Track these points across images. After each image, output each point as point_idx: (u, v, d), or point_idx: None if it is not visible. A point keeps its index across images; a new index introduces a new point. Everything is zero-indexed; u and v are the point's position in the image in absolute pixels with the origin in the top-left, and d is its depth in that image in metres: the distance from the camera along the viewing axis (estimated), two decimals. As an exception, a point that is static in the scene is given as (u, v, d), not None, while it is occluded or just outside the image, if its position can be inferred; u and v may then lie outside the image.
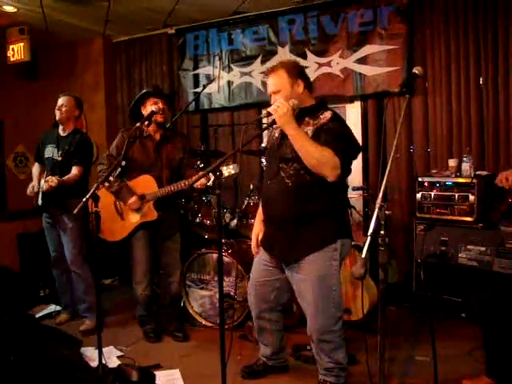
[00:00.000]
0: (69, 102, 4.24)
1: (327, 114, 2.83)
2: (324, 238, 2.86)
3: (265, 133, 4.41)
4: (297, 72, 2.89)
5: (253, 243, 3.18)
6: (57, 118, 4.26)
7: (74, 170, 4.10)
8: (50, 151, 4.24)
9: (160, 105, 3.84)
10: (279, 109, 2.67)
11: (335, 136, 2.73)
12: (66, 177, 4.03)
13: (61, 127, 4.27)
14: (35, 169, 4.39)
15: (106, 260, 4.33)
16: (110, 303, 4.92)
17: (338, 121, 2.84)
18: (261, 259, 3.13)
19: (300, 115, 2.83)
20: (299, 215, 2.84)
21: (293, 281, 2.97)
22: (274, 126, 2.88)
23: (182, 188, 3.68)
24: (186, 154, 4.08)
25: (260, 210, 3.16)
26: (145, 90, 4.02)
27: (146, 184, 3.82)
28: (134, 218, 3.88)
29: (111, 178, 3.60)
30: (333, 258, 2.86)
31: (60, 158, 4.15)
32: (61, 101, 4.24)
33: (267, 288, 3.11)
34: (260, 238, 3.13)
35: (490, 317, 2.94)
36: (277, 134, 3.06)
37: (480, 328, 3.05)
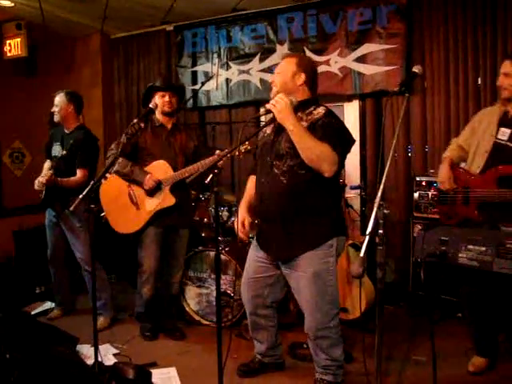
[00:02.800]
0: (60, 100, 4.18)
1: (321, 110, 2.85)
2: (321, 235, 2.86)
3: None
4: (305, 66, 2.92)
5: (240, 229, 3.07)
6: (55, 120, 4.25)
7: (79, 173, 4.06)
8: (56, 150, 4.23)
9: (167, 98, 3.84)
10: (278, 104, 2.67)
11: (332, 131, 2.74)
12: (67, 178, 4.02)
13: (64, 126, 4.24)
14: (46, 164, 4.29)
15: (103, 257, 4.30)
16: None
17: (333, 116, 2.85)
18: (254, 256, 3.12)
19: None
20: (295, 212, 2.84)
21: (290, 278, 2.96)
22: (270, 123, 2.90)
23: (201, 168, 3.49)
24: (200, 142, 4.05)
25: (245, 197, 3.17)
26: (150, 84, 4.00)
27: (160, 169, 3.76)
28: (151, 206, 3.79)
29: (108, 175, 3.57)
30: (329, 254, 2.86)
31: (64, 152, 4.13)
32: (55, 101, 4.20)
33: (261, 284, 3.11)
34: (246, 224, 3.08)
35: (477, 311, 3.22)
36: (268, 131, 3.04)
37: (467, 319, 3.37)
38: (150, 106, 3.66)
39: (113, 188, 3.88)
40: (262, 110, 2.85)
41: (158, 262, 3.92)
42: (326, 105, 2.96)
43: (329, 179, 2.73)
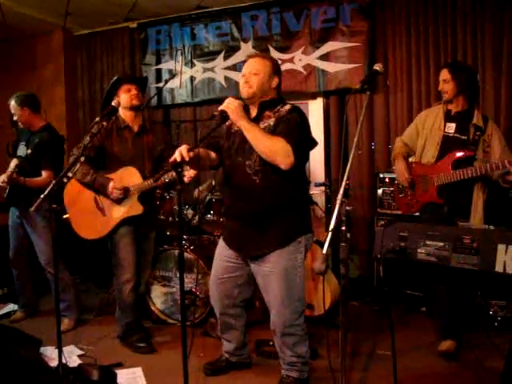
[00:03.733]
0: (14, 108, 4.09)
1: (287, 107, 2.91)
2: (291, 232, 2.90)
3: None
4: (278, 69, 3.00)
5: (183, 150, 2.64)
6: (20, 126, 4.19)
7: (44, 174, 3.98)
8: (21, 150, 4.14)
9: (134, 91, 3.70)
10: (230, 104, 2.77)
11: (290, 125, 2.79)
12: (30, 179, 3.94)
13: (30, 127, 4.15)
14: (12, 162, 4.16)
15: (67, 257, 4.24)
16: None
17: (297, 112, 2.89)
18: (222, 255, 3.11)
19: (260, 109, 2.92)
20: (267, 211, 2.87)
21: (258, 275, 2.98)
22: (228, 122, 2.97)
23: (170, 178, 3.44)
24: (167, 145, 3.94)
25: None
26: (116, 77, 3.82)
27: (129, 176, 3.62)
28: (117, 213, 3.65)
29: (70, 174, 3.48)
30: (298, 250, 2.90)
31: (29, 152, 4.04)
32: (11, 109, 4.12)
33: (230, 284, 3.10)
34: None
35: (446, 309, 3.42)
36: (233, 130, 3.03)
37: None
38: (113, 104, 3.54)
39: (78, 190, 3.74)
40: (215, 113, 2.84)
41: (137, 260, 3.76)
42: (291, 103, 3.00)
43: (297, 177, 2.81)
